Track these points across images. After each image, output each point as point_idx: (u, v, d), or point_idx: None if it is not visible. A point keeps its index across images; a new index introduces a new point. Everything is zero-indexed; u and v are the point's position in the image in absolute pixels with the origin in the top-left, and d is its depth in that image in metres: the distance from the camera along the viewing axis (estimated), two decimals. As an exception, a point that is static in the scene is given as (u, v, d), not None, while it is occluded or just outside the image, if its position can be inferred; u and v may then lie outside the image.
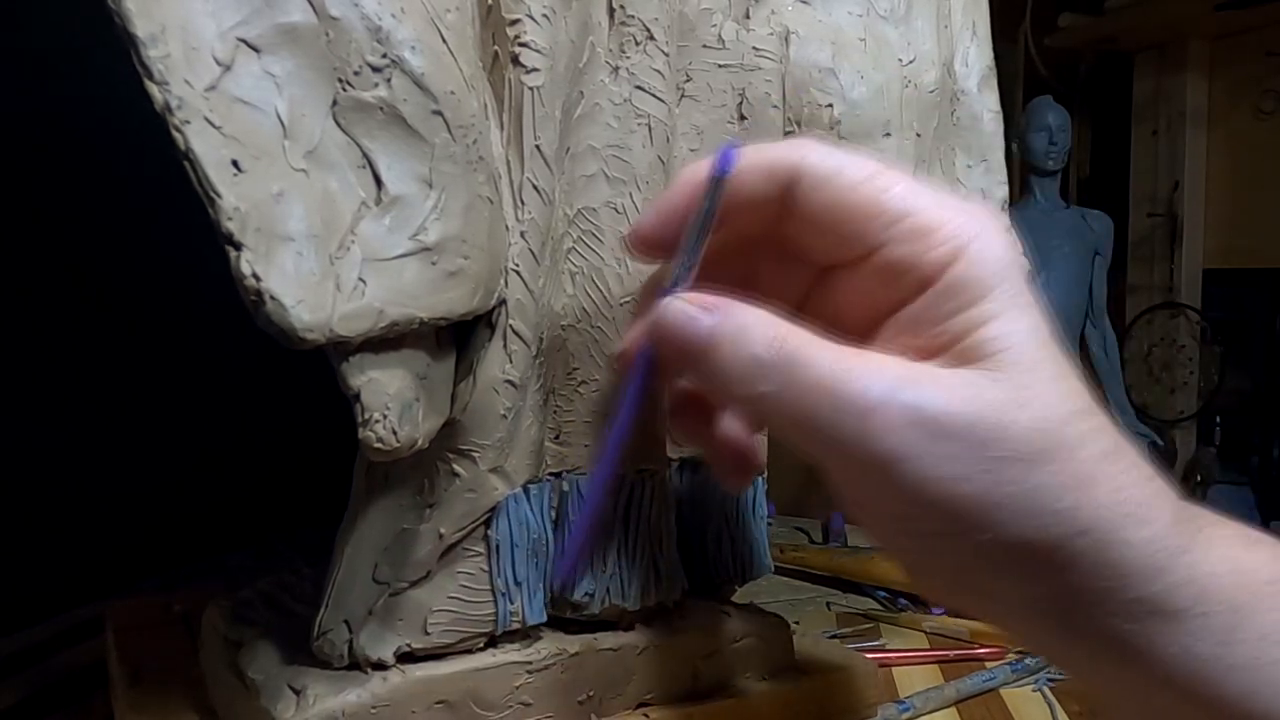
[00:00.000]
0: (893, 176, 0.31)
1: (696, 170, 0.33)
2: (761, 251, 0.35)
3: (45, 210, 0.66)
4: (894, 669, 0.63)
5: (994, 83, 0.57)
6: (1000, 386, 0.28)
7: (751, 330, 0.30)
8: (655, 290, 0.35)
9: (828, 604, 0.77)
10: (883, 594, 0.78)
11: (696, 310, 0.31)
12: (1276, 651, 0.27)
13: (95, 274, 0.69)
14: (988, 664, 0.63)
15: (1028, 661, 0.62)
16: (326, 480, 0.48)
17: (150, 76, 0.30)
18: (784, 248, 0.34)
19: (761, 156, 0.32)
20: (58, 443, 0.67)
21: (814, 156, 0.31)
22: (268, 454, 0.76)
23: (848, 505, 0.31)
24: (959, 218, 0.30)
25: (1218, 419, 1.23)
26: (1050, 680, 0.61)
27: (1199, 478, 1.11)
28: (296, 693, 0.39)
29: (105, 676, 0.54)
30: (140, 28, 0.29)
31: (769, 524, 0.98)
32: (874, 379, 0.28)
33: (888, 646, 0.67)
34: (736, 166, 0.32)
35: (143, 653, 0.52)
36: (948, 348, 0.29)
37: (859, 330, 0.32)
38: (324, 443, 0.50)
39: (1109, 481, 0.28)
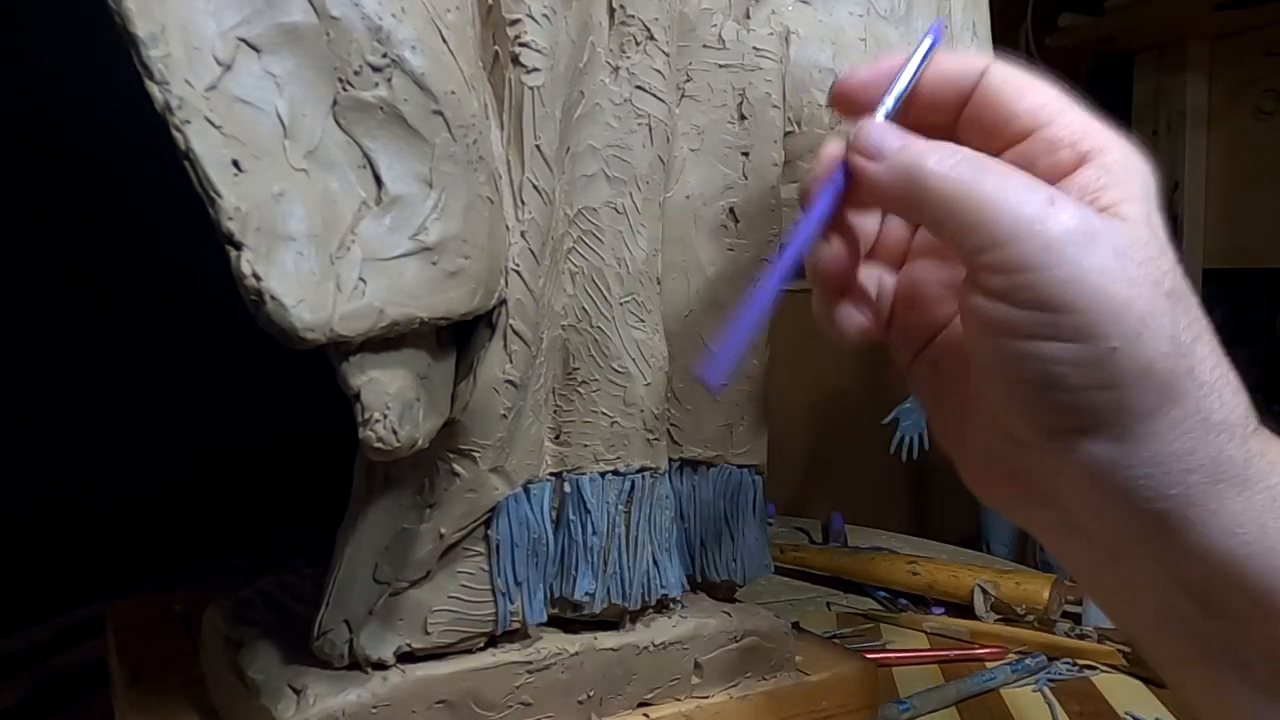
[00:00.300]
0: (1065, 96, 0.34)
1: (903, 50, 0.36)
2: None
3: (45, 210, 0.66)
4: (894, 669, 0.63)
5: (994, 83, 0.57)
6: (1149, 234, 0.31)
7: (946, 145, 0.33)
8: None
9: (828, 604, 0.77)
10: (883, 594, 0.78)
11: (899, 130, 0.34)
12: None
13: (95, 274, 0.69)
14: (988, 664, 0.63)
15: (1028, 662, 0.62)
16: (326, 480, 0.48)
17: (151, 76, 0.30)
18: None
19: (957, 55, 0.36)
20: (58, 443, 0.67)
21: (1000, 64, 0.35)
22: (268, 454, 0.76)
23: (970, 327, 0.33)
24: (1114, 133, 0.33)
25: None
26: (1050, 680, 0.61)
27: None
28: (297, 692, 0.39)
29: (105, 676, 0.54)
30: (141, 27, 0.29)
31: (769, 524, 0.98)
32: (1053, 191, 0.31)
33: (888, 646, 0.67)
34: (935, 54, 0.36)
35: (143, 652, 0.52)
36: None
37: None
38: (324, 443, 0.50)
39: (1213, 346, 0.31)
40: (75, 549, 0.69)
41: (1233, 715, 0.32)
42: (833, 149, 0.36)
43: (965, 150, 0.32)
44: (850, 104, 0.37)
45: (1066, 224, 0.30)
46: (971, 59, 0.35)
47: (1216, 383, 0.30)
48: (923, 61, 0.35)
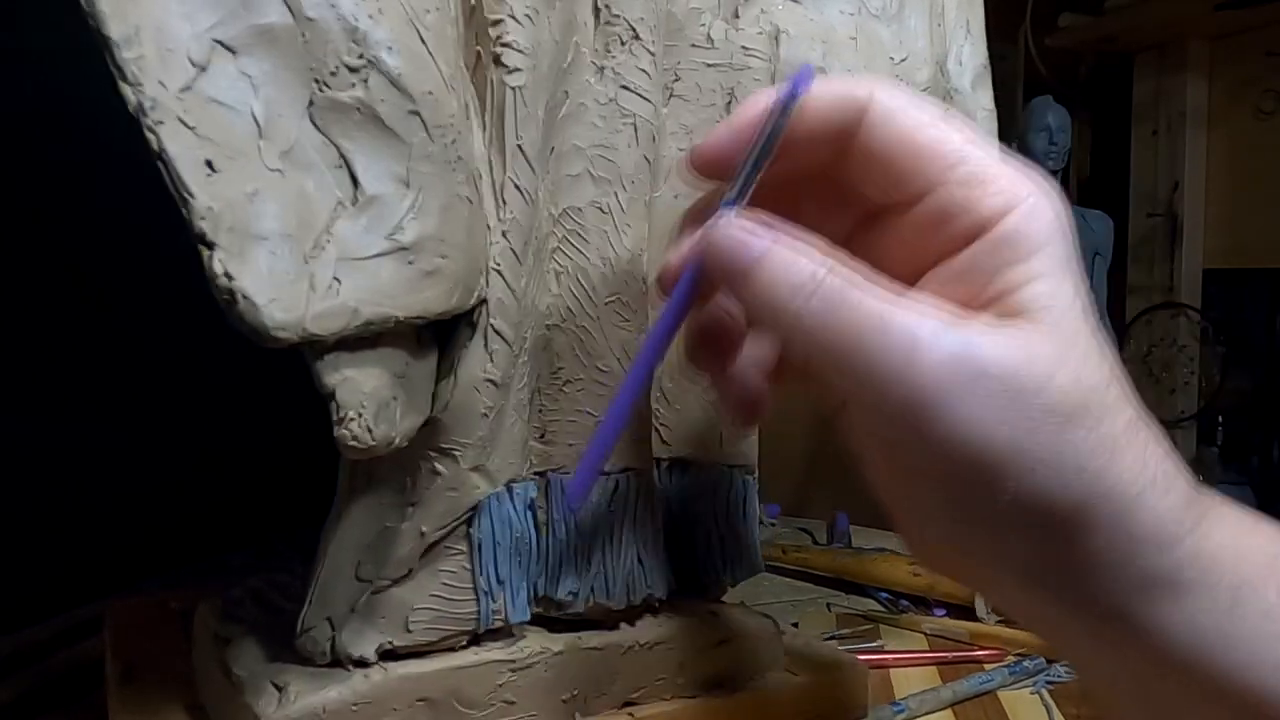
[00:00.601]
0: (958, 125, 0.31)
1: (764, 96, 0.33)
2: (809, 191, 0.35)
3: (45, 210, 0.66)
4: (892, 670, 0.63)
5: (988, 81, 0.56)
6: (1046, 343, 0.28)
7: (805, 255, 0.30)
8: (702, 213, 0.35)
9: (828, 605, 0.77)
10: (884, 595, 0.77)
11: (752, 229, 0.31)
12: (1278, 627, 0.28)
13: (95, 274, 0.69)
14: (986, 666, 0.63)
15: (1026, 664, 0.62)
16: (328, 480, 0.48)
17: (124, 78, 0.30)
18: (834, 188, 0.34)
19: (833, 86, 0.32)
20: (58, 443, 0.67)
21: (885, 92, 0.31)
22: (270, 453, 0.76)
23: (867, 449, 0.31)
24: (1017, 175, 0.30)
25: (1219, 419, 1.23)
26: (1049, 682, 0.61)
27: (1200, 478, 1.11)
28: (279, 689, 0.39)
29: (102, 674, 0.54)
30: (114, 29, 0.30)
31: (772, 524, 0.98)
32: (923, 318, 0.28)
33: (886, 648, 0.67)
34: (809, 93, 0.32)
35: (137, 650, 0.53)
36: (993, 302, 0.29)
37: (900, 280, 0.31)
38: (325, 442, 0.50)
39: (1134, 451, 0.28)
40: (77, 549, 0.70)
41: None
42: (685, 250, 0.34)
43: (824, 275, 0.29)
44: (709, 173, 0.35)
45: (931, 378, 0.27)
46: (850, 89, 0.32)
47: (1141, 494, 0.28)
48: (780, 120, 0.32)
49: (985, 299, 0.29)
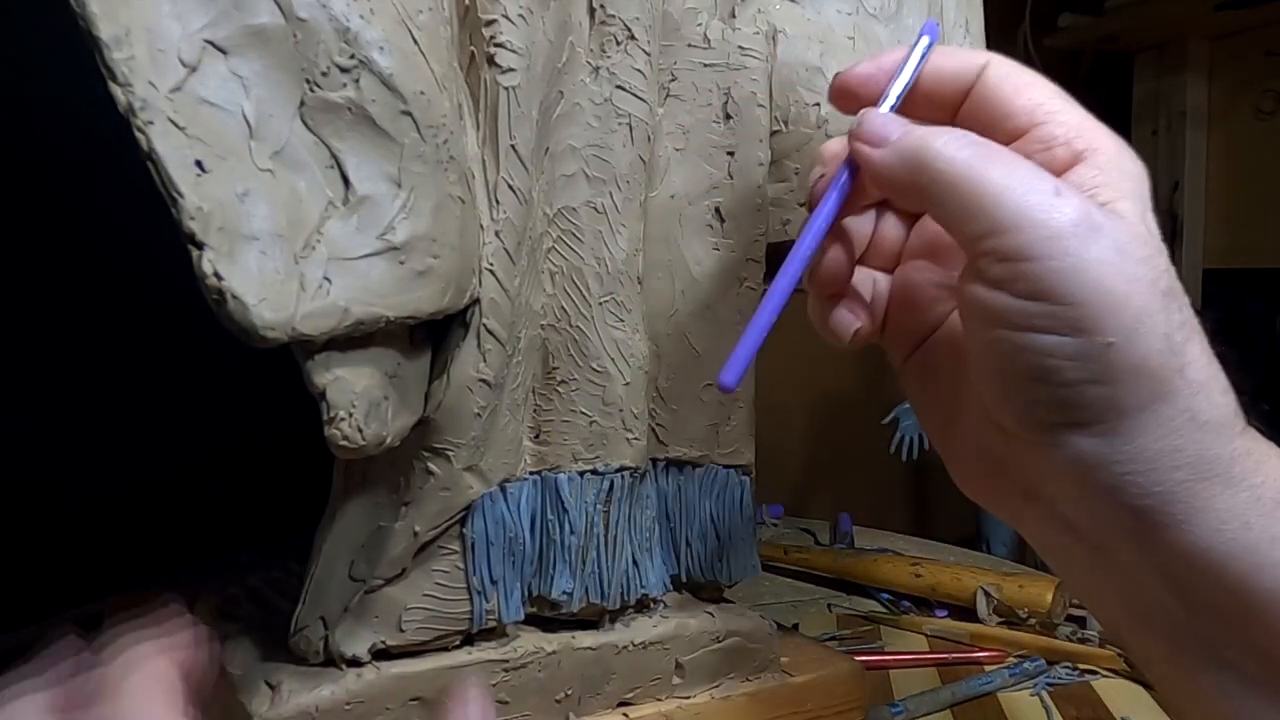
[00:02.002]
0: (1061, 96, 0.34)
1: (900, 48, 0.37)
2: None
3: (45, 210, 0.66)
4: (891, 671, 0.63)
5: (987, 81, 0.56)
6: (1141, 233, 0.31)
7: (953, 129, 0.33)
8: (836, 148, 0.37)
9: (829, 605, 0.77)
10: (886, 596, 0.77)
11: (902, 119, 0.34)
12: None
13: (95, 274, 0.69)
14: (986, 668, 0.63)
15: (1026, 666, 0.62)
16: (329, 479, 0.48)
17: (114, 78, 0.30)
18: None
19: (956, 52, 0.36)
20: (58, 442, 0.68)
21: (1000, 61, 0.35)
22: (269, 454, 0.76)
23: (971, 334, 0.33)
24: (1106, 133, 0.33)
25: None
26: (1049, 684, 0.61)
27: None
28: (272, 688, 0.39)
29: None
30: (104, 30, 0.30)
31: (774, 524, 0.98)
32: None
33: (887, 649, 0.67)
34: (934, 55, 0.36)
35: (135, 649, 0.53)
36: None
37: None
38: (325, 442, 0.50)
39: (1201, 344, 0.31)
40: (77, 549, 0.70)
41: (1215, 709, 0.32)
42: (835, 147, 0.37)
43: (972, 135, 0.32)
44: (850, 99, 0.37)
45: (1071, 215, 0.30)
46: (971, 55, 0.35)
47: (1207, 382, 0.30)
48: (922, 58, 0.36)
49: None
